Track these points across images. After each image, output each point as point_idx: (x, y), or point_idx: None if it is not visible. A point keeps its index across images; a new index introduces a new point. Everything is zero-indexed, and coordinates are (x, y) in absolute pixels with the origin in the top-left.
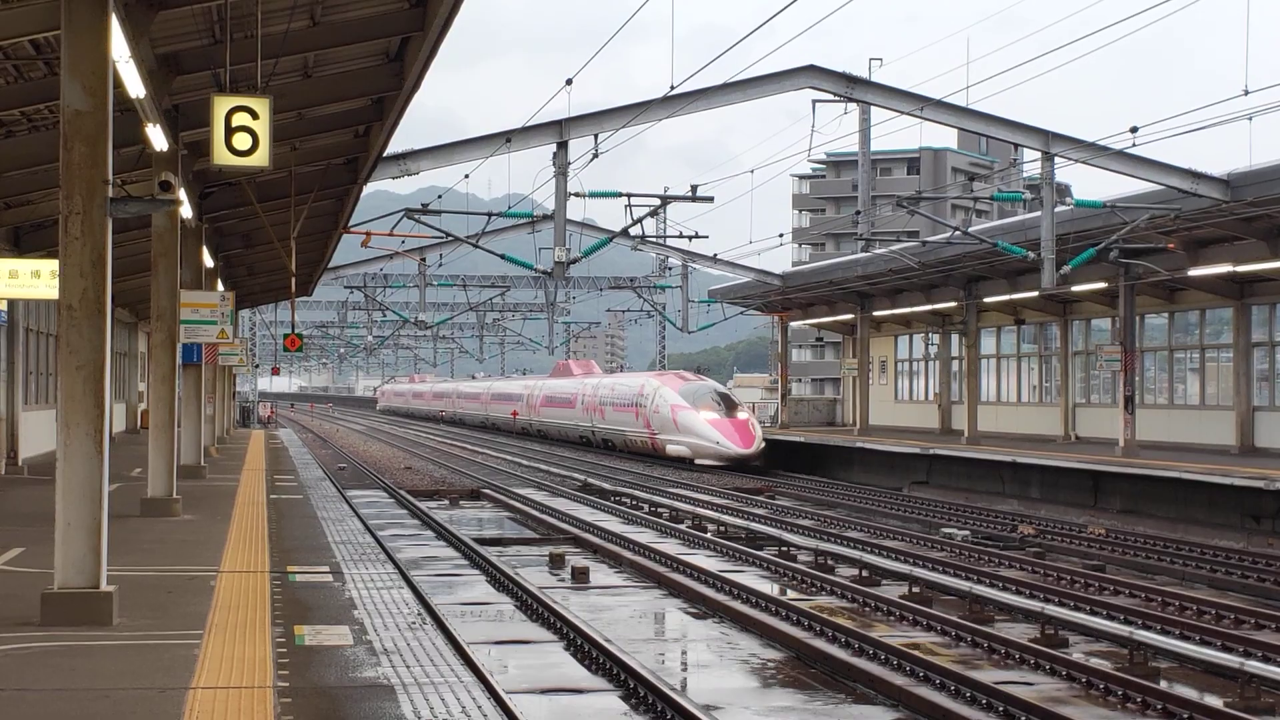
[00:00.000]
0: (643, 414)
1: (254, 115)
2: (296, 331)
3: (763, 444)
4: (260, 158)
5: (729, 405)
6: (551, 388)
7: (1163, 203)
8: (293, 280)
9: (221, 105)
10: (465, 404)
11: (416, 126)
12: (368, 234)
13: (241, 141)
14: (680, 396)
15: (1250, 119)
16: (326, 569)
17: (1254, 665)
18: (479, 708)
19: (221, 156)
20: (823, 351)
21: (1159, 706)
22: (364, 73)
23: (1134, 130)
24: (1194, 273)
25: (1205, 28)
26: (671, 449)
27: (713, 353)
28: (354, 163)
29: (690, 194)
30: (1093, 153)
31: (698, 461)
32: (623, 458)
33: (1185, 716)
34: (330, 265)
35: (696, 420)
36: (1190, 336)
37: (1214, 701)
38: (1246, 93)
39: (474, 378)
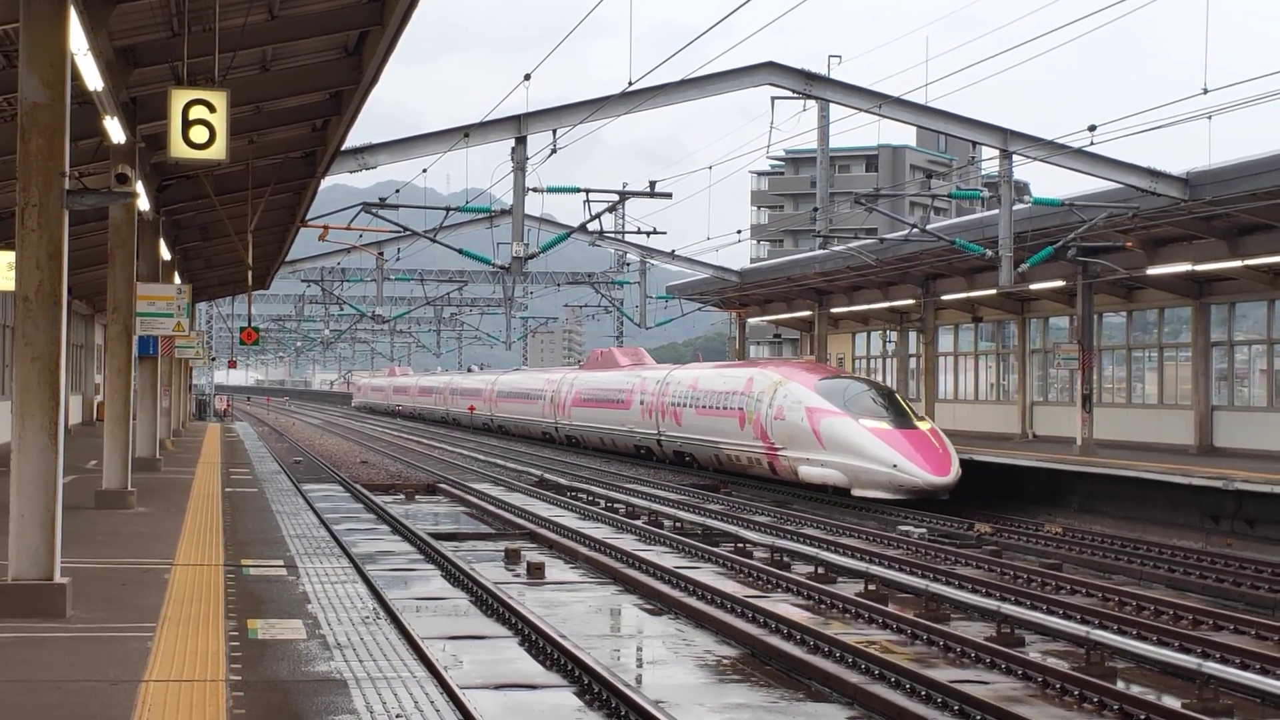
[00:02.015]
0: (754, 420)
1: (211, 108)
2: (253, 325)
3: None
4: (217, 151)
5: (898, 411)
6: (590, 383)
7: (1121, 201)
8: (250, 274)
9: (179, 98)
10: (463, 401)
11: (375, 122)
12: (325, 228)
13: (198, 135)
14: (821, 396)
15: (1209, 118)
16: (281, 563)
17: (1212, 666)
18: (432, 703)
19: (178, 149)
20: (780, 349)
21: (1116, 707)
22: (322, 67)
23: (1092, 129)
24: (1152, 271)
25: (1164, 27)
26: (808, 472)
27: (670, 349)
28: (312, 156)
29: (649, 190)
30: (1051, 151)
31: (858, 493)
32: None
33: (1142, 717)
34: (287, 259)
35: (854, 432)
36: (1149, 335)
37: (1172, 703)
38: (1205, 91)
39: (472, 370)
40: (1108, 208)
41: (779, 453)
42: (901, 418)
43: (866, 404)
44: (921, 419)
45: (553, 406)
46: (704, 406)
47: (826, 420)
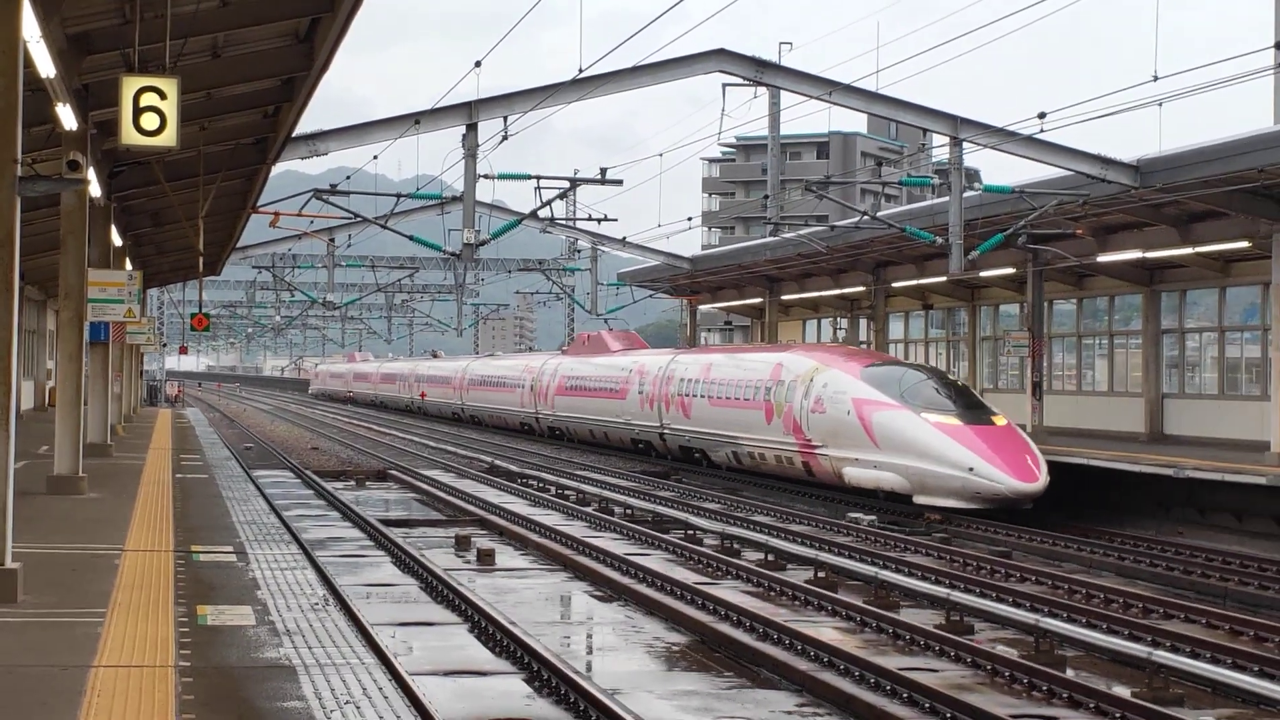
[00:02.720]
0: (784, 412)
1: (162, 95)
2: (204, 311)
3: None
4: (168, 137)
5: (968, 402)
6: (577, 369)
7: (1072, 188)
8: (201, 260)
9: (130, 85)
10: (432, 389)
11: (327, 108)
12: (276, 214)
13: (149, 121)
14: (871, 386)
15: (1160, 105)
16: (230, 549)
17: (1162, 655)
18: (380, 690)
19: (129, 136)
20: (731, 335)
21: (1065, 695)
22: (273, 53)
23: (1042, 116)
24: (1103, 259)
25: (1115, 14)
26: (857, 475)
27: None
28: (263, 143)
29: (600, 177)
30: (1001, 138)
31: (922, 500)
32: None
33: (1091, 706)
34: (239, 245)
35: (918, 429)
36: (1099, 323)
37: (1121, 691)
38: (1156, 78)
39: (438, 355)
40: (1058, 195)
41: (817, 451)
42: (973, 411)
43: (929, 395)
44: (996, 413)
45: (533, 395)
46: (719, 396)
47: (881, 414)
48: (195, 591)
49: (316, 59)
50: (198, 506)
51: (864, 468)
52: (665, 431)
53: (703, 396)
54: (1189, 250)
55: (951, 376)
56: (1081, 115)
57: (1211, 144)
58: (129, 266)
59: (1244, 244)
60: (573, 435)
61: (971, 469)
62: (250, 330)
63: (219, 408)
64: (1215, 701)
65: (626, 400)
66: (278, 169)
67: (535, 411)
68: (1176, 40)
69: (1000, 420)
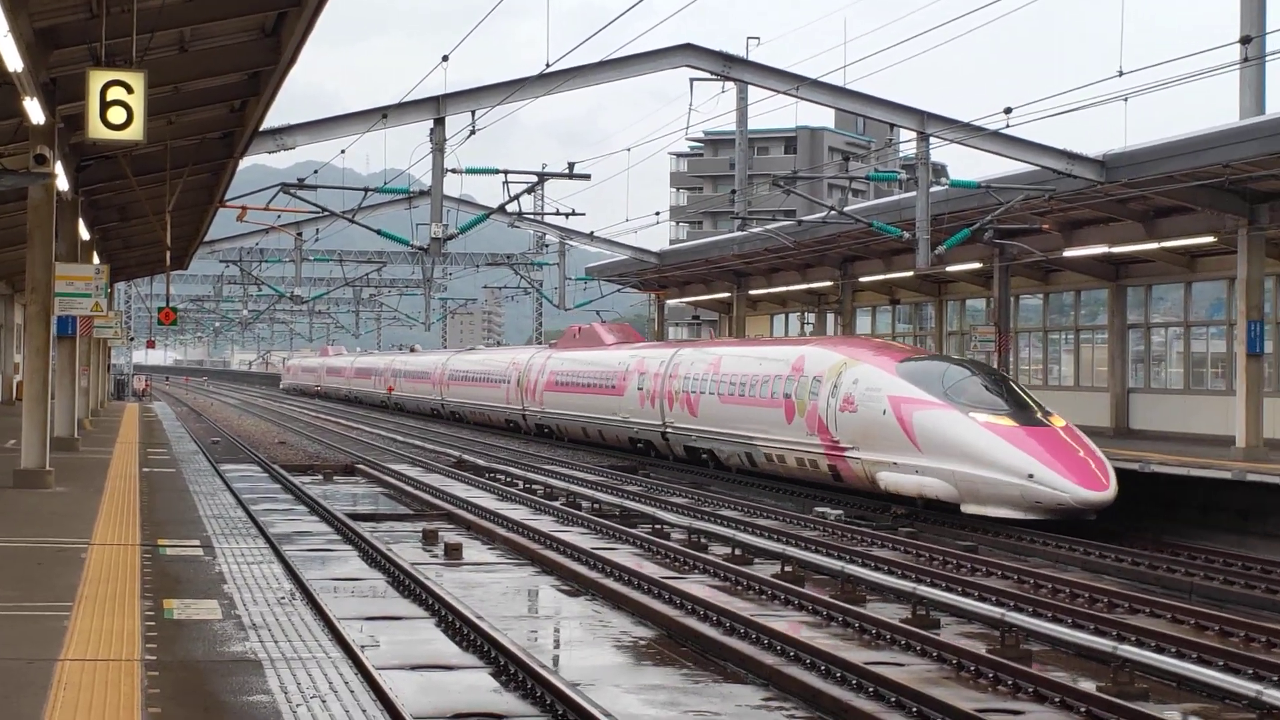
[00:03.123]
0: (808, 411)
1: (129, 89)
2: (171, 305)
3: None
4: (135, 132)
5: (1019, 401)
6: (569, 363)
7: (1038, 183)
8: (168, 254)
9: (96, 79)
10: (410, 384)
11: (293, 103)
12: (243, 208)
13: (116, 115)
14: (910, 382)
15: (1125, 100)
16: (197, 543)
17: (1127, 650)
18: (347, 684)
19: (96, 130)
20: (699, 330)
21: (1030, 690)
22: (240, 47)
23: (1008, 111)
24: (1069, 254)
25: (1082, 8)
26: (894, 480)
27: None
28: (230, 137)
29: (568, 171)
30: (968, 133)
31: (971, 510)
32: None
33: (1057, 700)
34: (206, 239)
35: (966, 431)
36: (1065, 318)
37: (1087, 686)
38: (1121, 74)
39: (415, 349)
40: (1024, 190)
41: (847, 454)
42: (1025, 411)
43: (977, 392)
44: (1052, 413)
45: (519, 391)
46: (732, 393)
47: (924, 414)
48: (162, 585)
49: (283, 53)
50: (164, 501)
51: (903, 472)
52: (668, 431)
53: (712, 393)
54: (1155, 245)
55: (998, 371)
56: (1048, 110)
57: (1177, 139)
58: (96, 260)
59: (1210, 239)
60: (563, 434)
61: (1031, 475)
62: (218, 325)
63: (186, 402)
64: (1181, 696)
65: (624, 397)
66: (245, 163)
67: (522, 408)
68: (1144, 34)
69: (1058, 421)
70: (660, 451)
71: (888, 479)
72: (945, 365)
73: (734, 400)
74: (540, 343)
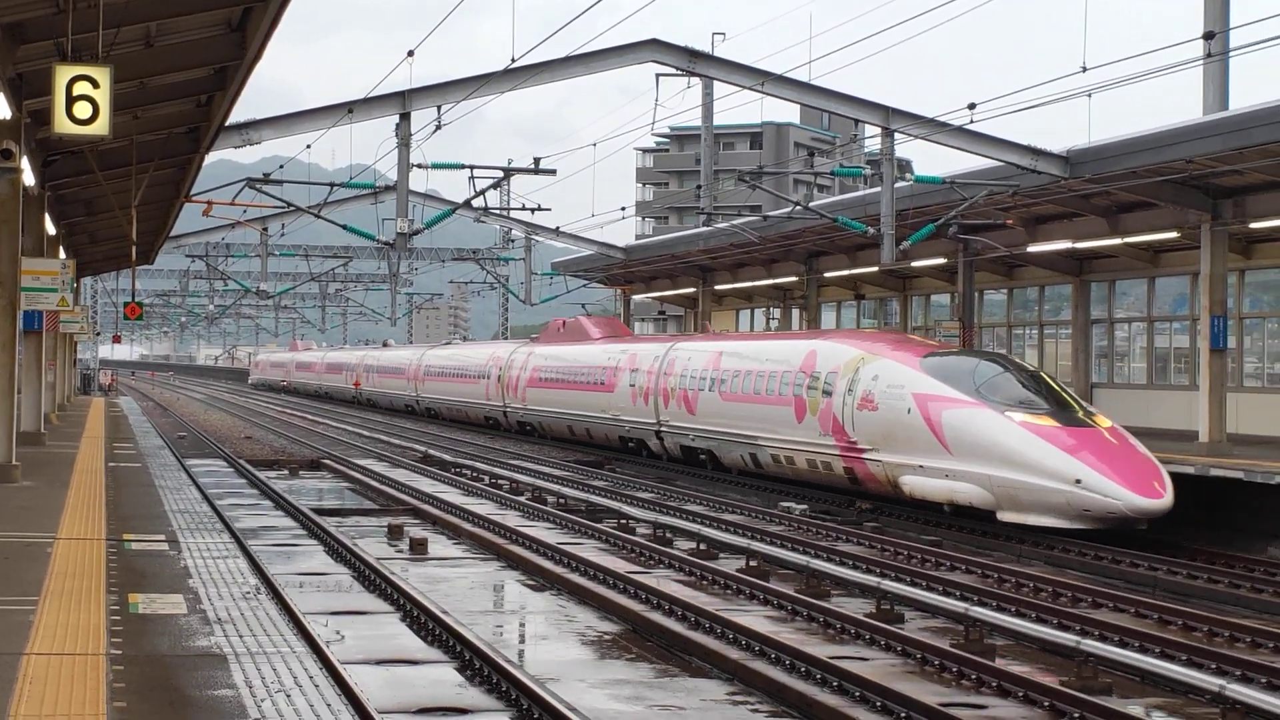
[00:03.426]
0: (820, 409)
1: (95, 84)
2: (137, 300)
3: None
4: (101, 126)
5: (1057, 399)
6: (553, 358)
7: (1002, 179)
8: (134, 249)
9: (62, 74)
10: (383, 380)
11: (260, 99)
12: (209, 203)
13: (82, 110)
14: (936, 378)
15: (1089, 95)
16: (163, 537)
17: (1090, 644)
18: (312, 678)
19: (62, 125)
20: (665, 325)
21: (994, 684)
22: (206, 42)
23: (972, 106)
24: (1033, 249)
25: (1045, 4)
26: (921, 485)
27: None
28: (196, 132)
29: (533, 167)
30: (932, 129)
31: (1010, 519)
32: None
33: (1020, 695)
34: (172, 234)
35: (1004, 431)
36: (1029, 313)
37: (1050, 680)
38: (1085, 69)
39: (389, 344)
40: (988, 185)
41: (865, 455)
42: (1066, 410)
43: (1012, 389)
44: (1095, 412)
45: (500, 387)
46: (734, 390)
47: (955, 413)
48: (127, 580)
49: (249, 48)
50: (130, 495)
51: (930, 476)
52: (663, 430)
53: (712, 390)
54: (1118, 241)
55: (1031, 366)
56: (1012, 106)
57: (1140, 135)
58: (63, 255)
59: (1173, 234)
60: (547, 431)
61: (1079, 481)
62: (184, 319)
63: (152, 397)
64: (1144, 691)
65: (614, 394)
66: (211, 158)
67: (503, 405)
68: (1108, 29)
69: (1103, 421)
70: (653, 451)
71: (913, 483)
72: (975, 360)
73: (737, 398)
74: (507, 337)
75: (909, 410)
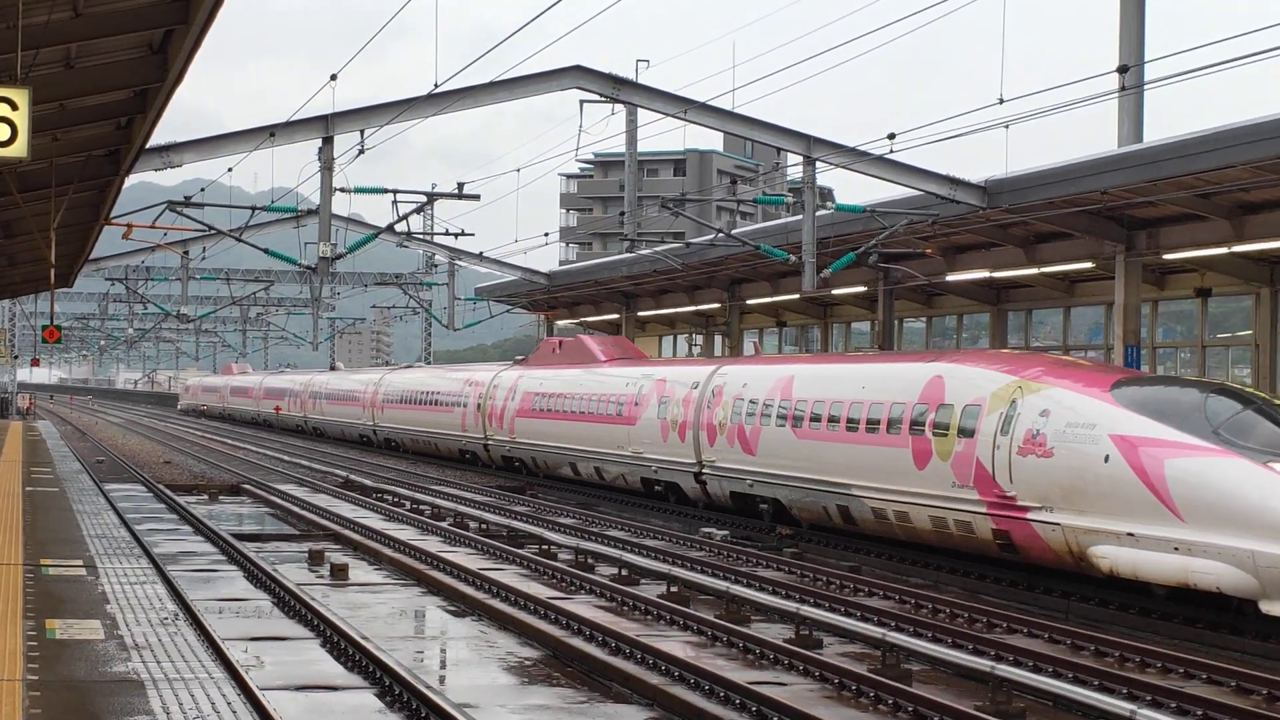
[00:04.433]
0: (953, 454)
1: (13, 106)
2: (56, 323)
3: None
4: (19, 149)
5: None
6: (551, 384)
7: (922, 208)
8: (52, 272)
9: None
10: (333, 406)
11: (183, 122)
12: (129, 226)
13: (0, 132)
14: (1144, 415)
15: (1007, 127)
16: (80, 563)
17: (1005, 669)
18: (229, 704)
19: None
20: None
21: (910, 709)
22: (127, 64)
23: (892, 136)
24: (952, 278)
25: (964, 36)
26: (1128, 559)
27: (479, 350)
28: (116, 154)
29: (457, 192)
30: (853, 158)
31: (1270, 609)
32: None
33: (936, 719)
34: (91, 257)
35: (1271, 491)
36: (948, 340)
37: (965, 705)
38: (1001, 101)
39: (337, 367)
40: (908, 214)
41: (1031, 516)
42: None
43: (1268, 433)
44: None
45: (479, 416)
46: (817, 425)
47: (1186, 464)
48: (44, 605)
49: (170, 70)
50: (48, 520)
51: (1147, 549)
52: (706, 472)
53: (781, 424)
54: (1035, 270)
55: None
56: (931, 136)
57: (1057, 166)
58: None
59: (1088, 264)
60: (542, 469)
61: None
62: (103, 343)
63: (71, 420)
64: (1058, 715)
65: (636, 426)
66: (131, 181)
67: (484, 438)
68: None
69: None
70: (690, 497)
71: (1118, 557)
72: (1198, 391)
73: (820, 436)
74: (430, 362)
75: (1106, 458)
